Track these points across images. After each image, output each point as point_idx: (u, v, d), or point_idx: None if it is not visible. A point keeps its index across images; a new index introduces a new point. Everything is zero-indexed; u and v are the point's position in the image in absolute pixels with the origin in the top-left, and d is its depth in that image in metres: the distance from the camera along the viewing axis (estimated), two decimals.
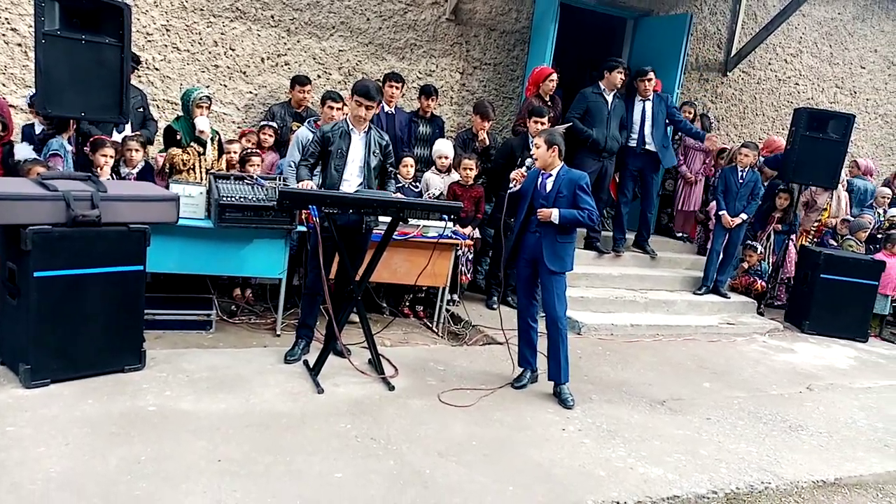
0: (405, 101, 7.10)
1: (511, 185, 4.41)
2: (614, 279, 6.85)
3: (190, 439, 3.28)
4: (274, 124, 6.00)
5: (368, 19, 6.99)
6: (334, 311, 4.38)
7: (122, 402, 3.56)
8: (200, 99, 5.32)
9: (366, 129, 4.49)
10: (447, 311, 5.92)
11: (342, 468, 3.18)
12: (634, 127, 6.99)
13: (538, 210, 4.31)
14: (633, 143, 7.00)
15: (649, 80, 6.90)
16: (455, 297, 6.38)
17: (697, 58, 8.70)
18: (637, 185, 7.19)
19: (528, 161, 4.42)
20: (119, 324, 3.88)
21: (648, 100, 6.96)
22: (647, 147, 6.96)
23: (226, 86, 6.57)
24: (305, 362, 4.39)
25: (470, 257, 6.35)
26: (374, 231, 4.65)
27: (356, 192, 4.22)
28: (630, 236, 7.38)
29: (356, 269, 4.63)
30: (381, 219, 4.83)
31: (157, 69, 6.29)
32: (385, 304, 6.18)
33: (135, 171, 5.20)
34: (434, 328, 5.84)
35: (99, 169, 4.94)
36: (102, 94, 4.48)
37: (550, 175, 4.35)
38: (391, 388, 4.20)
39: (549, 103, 6.91)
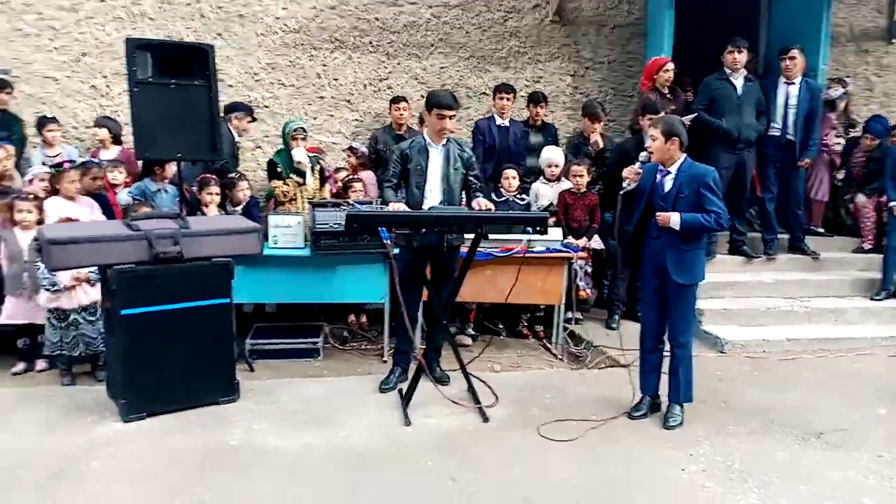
0: (515, 111, 6.75)
1: (624, 183, 3.87)
2: (766, 287, 5.94)
3: (264, 476, 3.12)
4: (357, 145, 5.94)
5: (468, 32, 6.76)
6: (427, 336, 4.10)
7: (208, 437, 3.50)
8: (296, 130, 5.34)
9: (444, 143, 4.20)
10: (565, 330, 5.40)
11: None
12: (776, 113, 6.09)
13: (657, 213, 3.73)
14: (775, 132, 6.10)
15: (791, 58, 6.00)
16: (577, 314, 5.85)
17: (852, 27, 7.52)
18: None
19: (643, 155, 3.85)
20: (210, 356, 3.86)
21: (793, 83, 6.04)
22: (791, 136, 6.03)
23: (332, 115, 6.62)
24: (400, 391, 4.13)
25: (589, 271, 5.80)
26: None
27: (429, 209, 3.92)
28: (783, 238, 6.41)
29: (446, 291, 4.34)
30: (467, 236, 4.54)
31: (266, 107, 6.46)
32: (501, 325, 5.81)
33: (239, 207, 5.28)
34: (553, 350, 5.36)
35: (205, 207, 5.08)
36: (195, 135, 4.57)
37: (669, 172, 3.75)
38: (486, 419, 3.82)
39: (670, 96, 6.24)
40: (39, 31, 5.99)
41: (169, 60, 4.51)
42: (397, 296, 4.03)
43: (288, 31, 6.43)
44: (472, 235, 4.13)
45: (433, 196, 4.20)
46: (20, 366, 4.42)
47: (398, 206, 4.03)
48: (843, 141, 6.70)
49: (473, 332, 5.53)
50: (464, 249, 4.20)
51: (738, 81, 5.98)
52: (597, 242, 5.97)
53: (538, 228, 3.81)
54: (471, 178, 4.33)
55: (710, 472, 3.29)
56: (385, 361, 4.89)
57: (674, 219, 3.63)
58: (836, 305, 5.77)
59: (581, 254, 5.48)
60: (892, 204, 5.89)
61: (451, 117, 4.13)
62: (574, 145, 6.15)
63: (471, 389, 4.04)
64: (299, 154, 5.26)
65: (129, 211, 4.79)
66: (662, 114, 5.46)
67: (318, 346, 4.94)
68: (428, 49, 6.72)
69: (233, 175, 5.30)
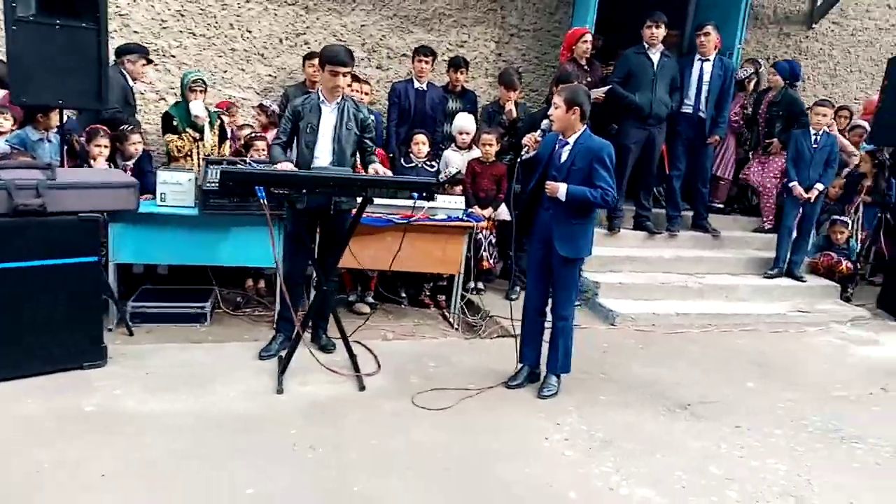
0: (435, 75, 6.64)
1: (523, 151, 3.84)
2: (665, 262, 6.08)
3: (110, 442, 3.02)
4: (268, 103, 5.73)
5: None
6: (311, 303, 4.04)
7: (62, 402, 3.36)
8: (195, 82, 5.11)
9: (338, 101, 4.08)
10: (463, 299, 5.41)
11: (261, 481, 2.81)
12: (690, 90, 6.16)
13: (546, 183, 3.72)
14: (687, 109, 6.18)
15: (705, 34, 6.05)
16: (479, 285, 5.87)
17: (776, 10, 7.64)
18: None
19: (545, 123, 3.79)
20: (74, 318, 3.69)
21: (707, 60, 6.10)
22: (702, 114, 6.11)
23: (243, 69, 6.37)
24: (280, 358, 4.07)
25: (493, 241, 5.81)
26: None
27: (311, 169, 3.83)
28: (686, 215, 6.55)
29: (334, 256, 4.27)
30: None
31: (173, 56, 6.17)
32: (404, 294, 5.78)
33: (131, 162, 5.05)
34: (450, 319, 5.38)
35: (93, 160, 4.84)
36: (80, 81, 4.34)
37: (568, 143, 3.72)
38: (362, 388, 3.80)
39: (587, 68, 6.23)
40: None
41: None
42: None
43: None
44: (402, 202, 4.10)
45: (323, 156, 4.09)
46: None
47: (285, 166, 3.92)
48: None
49: (373, 301, 5.48)
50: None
51: (655, 56, 6.00)
52: (504, 213, 5.97)
53: (424, 195, 3.76)
54: (366, 140, 4.23)
55: (573, 441, 3.36)
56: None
57: (561, 190, 3.63)
58: (729, 282, 5.96)
59: (483, 224, 5.47)
60: (791, 184, 6.06)
61: (344, 74, 3.99)
62: (488, 113, 6.09)
63: (351, 358, 4.00)
64: (197, 107, 5.05)
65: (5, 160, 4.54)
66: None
67: (206, 310, 4.78)
68: (349, 4, 6.51)
69: (125, 126, 5.04)
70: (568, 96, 3.63)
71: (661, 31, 5.93)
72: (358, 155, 4.29)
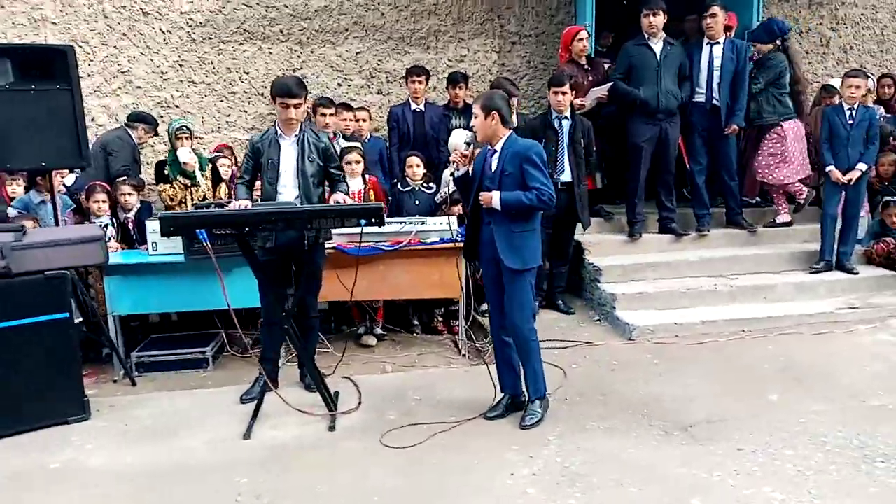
0: (438, 94, 6.50)
1: (451, 168, 3.65)
2: (692, 266, 5.61)
3: (54, 500, 2.98)
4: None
5: (383, 13, 6.50)
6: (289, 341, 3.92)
7: (31, 459, 3.38)
8: (179, 129, 5.20)
9: (297, 133, 3.99)
10: (466, 323, 5.14)
11: None
12: (701, 77, 5.71)
13: (480, 195, 3.50)
14: (700, 98, 5.73)
15: (712, 15, 5.62)
16: (484, 306, 5.61)
17: None
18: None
19: (468, 136, 3.62)
20: (53, 375, 3.73)
21: (717, 43, 5.65)
22: (716, 102, 5.64)
23: (245, 111, 6.45)
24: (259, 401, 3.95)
25: None
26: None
27: (256, 205, 3.74)
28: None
29: (311, 291, 4.16)
30: (336, 231, 4.34)
31: (177, 106, 6.32)
32: (416, 322, 5.59)
33: (131, 214, 5.16)
34: (459, 345, 5.14)
35: (94, 215, 4.98)
36: (60, 140, 4.45)
37: (496, 150, 3.52)
38: (332, 428, 3.64)
39: (588, 67, 5.91)
40: None
41: (30, 65, 4.40)
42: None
43: (194, 25, 6.26)
44: (342, 230, 3.98)
45: (287, 191, 4.00)
46: None
47: (240, 204, 3.85)
48: None
49: (381, 332, 5.32)
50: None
51: (657, 46, 5.62)
52: None
53: (374, 220, 3.59)
54: (332, 170, 4.12)
55: (541, 476, 3.06)
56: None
57: (495, 198, 3.41)
58: (766, 282, 5.42)
59: None
60: (828, 168, 5.48)
61: (295, 106, 3.90)
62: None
63: (324, 397, 3.82)
64: (184, 154, 5.10)
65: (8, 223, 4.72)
66: (566, 85, 5.21)
67: (207, 355, 4.76)
68: (342, 34, 6.48)
69: (121, 179, 5.16)
70: (484, 103, 3.46)
71: (659, 19, 5.55)
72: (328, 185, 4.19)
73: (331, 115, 5.41)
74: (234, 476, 3.15)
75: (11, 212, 4.99)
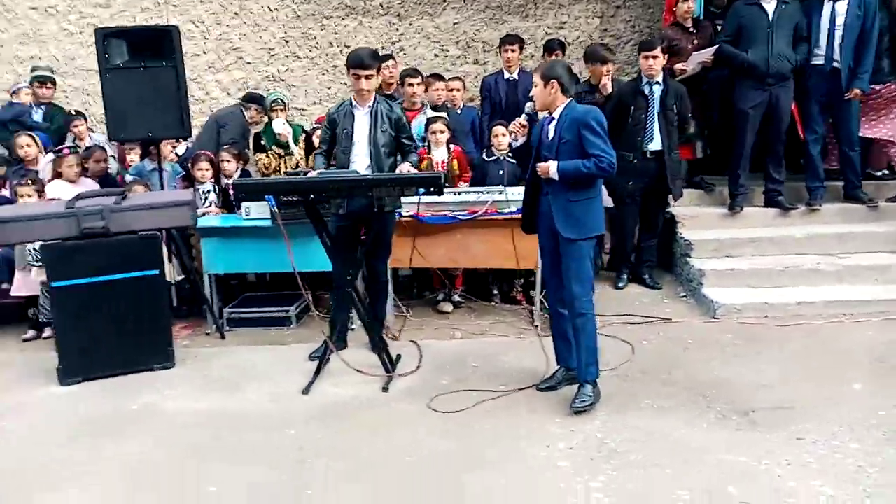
0: (536, 63, 6.36)
1: (510, 139, 3.59)
2: (797, 243, 5.14)
3: (128, 438, 3.32)
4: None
5: None
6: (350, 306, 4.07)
7: (117, 401, 3.77)
8: (274, 101, 5.47)
9: (370, 104, 4.09)
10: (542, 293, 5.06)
11: (228, 480, 2.89)
12: (821, 38, 5.17)
13: (537, 165, 3.42)
14: (818, 61, 5.18)
15: None
16: None
17: None
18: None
19: (528, 106, 3.54)
20: (143, 325, 4.13)
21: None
22: (837, 64, 5.09)
23: (346, 84, 6.62)
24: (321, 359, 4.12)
25: None
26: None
27: (318, 174, 3.88)
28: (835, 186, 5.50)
29: (380, 258, 4.29)
30: (405, 199, 4.40)
31: (282, 80, 6.66)
32: (496, 291, 5.59)
33: (231, 181, 5.52)
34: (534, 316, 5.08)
35: (199, 182, 5.40)
36: (165, 114, 4.86)
37: (553, 118, 3.42)
38: (386, 389, 3.75)
39: (693, 30, 5.54)
40: (81, 28, 6.62)
41: (141, 45, 4.83)
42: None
43: (299, 2, 6.54)
44: (410, 199, 4.08)
45: (360, 160, 4.13)
46: (30, 333, 5.01)
47: (312, 174, 4.02)
48: None
49: (459, 299, 5.38)
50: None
51: (770, 5, 5.14)
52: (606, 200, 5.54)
53: (432, 189, 3.62)
54: (403, 140, 4.21)
55: (577, 451, 2.99)
56: (353, 329, 4.89)
57: (552, 168, 3.30)
58: (880, 262, 4.88)
59: None
60: None
61: (367, 77, 4.01)
62: (578, 95, 5.64)
63: (381, 359, 3.95)
64: (278, 125, 5.38)
65: (126, 190, 5.24)
66: (657, 49, 4.94)
67: (290, 314, 5.06)
68: (439, 5, 6.51)
69: (225, 147, 5.52)
70: (543, 72, 3.36)
71: None
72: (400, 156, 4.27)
73: (418, 84, 5.46)
74: (285, 428, 3.35)
75: (128, 178, 5.53)
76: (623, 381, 3.71)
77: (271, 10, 6.56)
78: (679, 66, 5.31)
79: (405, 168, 4.04)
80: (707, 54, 5.34)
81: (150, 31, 5.01)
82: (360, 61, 3.98)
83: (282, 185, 3.72)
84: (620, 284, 5.37)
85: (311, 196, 3.63)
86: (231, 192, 5.48)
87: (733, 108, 5.36)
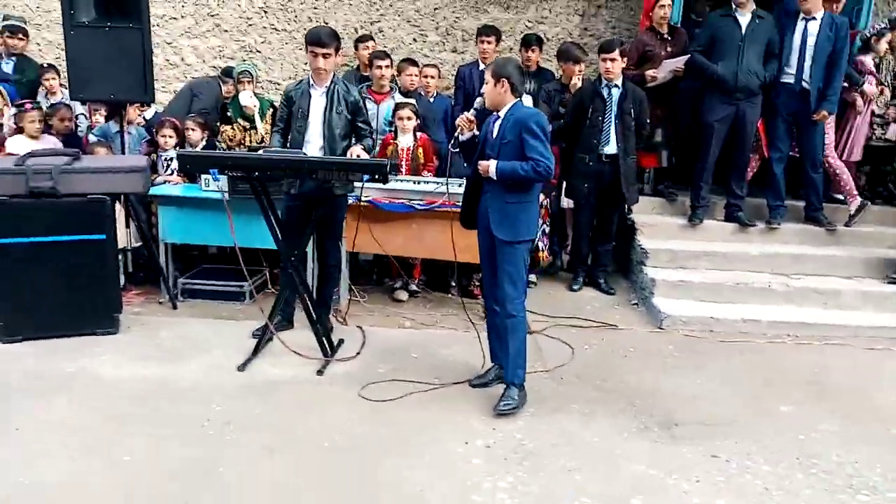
0: (513, 56, 6.33)
1: (456, 132, 3.58)
2: (751, 260, 5.19)
3: (58, 400, 3.32)
4: None
5: None
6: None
7: (55, 361, 3.76)
8: (241, 73, 5.42)
9: (328, 84, 4.06)
10: None
11: (145, 449, 2.90)
12: (792, 56, 5.18)
13: (478, 163, 3.42)
14: (788, 79, 5.21)
15: None
16: (530, 277, 5.50)
17: None
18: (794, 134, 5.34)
19: (478, 101, 3.54)
20: (88, 289, 4.10)
21: (813, 18, 5.09)
22: (806, 84, 5.11)
23: None
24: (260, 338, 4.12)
25: (546, 230, 5.40)
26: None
27: (262, 151, 3.85)
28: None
29: (331, 240, 4.28)
30: (359, 184, 4.38)
31: (258, 51, 6.59)
32: (453, 284, 5.60)
33: (196, 150, 5.47)
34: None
35: (162, 149, 5.34)
36: (128, 76, 4.78)
37: (499, 117, 3.41)
38: (320, 372, 3.76)
39: (668, 36, 5.53)
40: None
41: (108, 3, 4.75)
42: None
43: None
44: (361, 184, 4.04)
45: (314, 141, 4.11)
46: None
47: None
48: (886, 93, 5.54)
49: (416, 289, 5.38)
50: None
51: (744, 18, 5.15)
52: (566, 202, 5.56)
53: (377, 177, 3.61)
54: (359, 123, 4.18)
55: (493, 449, 3.02)
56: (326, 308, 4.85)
57: (491, 167, 3.30)
58: (831, 286, 4.93)
59: None
60: None
61: (324, 55, 3.96)
62: (546, 94, 5.64)
63: (320, 342, 3.94)
64: (245, 98, 5.33)
65: (88, 150, 5.18)
66: (615, 52, 4.94)
67: (244, 290, 5.02)
68: None
69: (190, 116, 5.46)
70: (494, 70, 3.35)
71: None
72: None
73: (386, 66, 5.40)
74: (212, 402, 3.35)
75: (91, 138, 5.46)
76: (556, 383, 3.75)
77: None
78: (650, 72, 5.31)
79: (356, 152, 4.01)
80: (678, 63, 5.35)
81: None
82: (318, 38, 3.94)
83: (224, 159, 3.69)
84: (575, 287, 5.40)
85: (256, 174, 3.60)
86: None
87: (699, 120, 5.38)
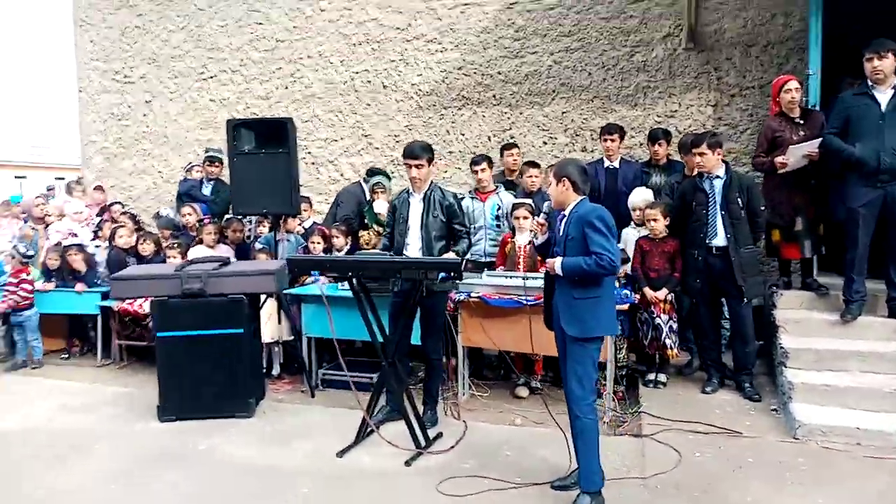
0: (644, 151, 6.33)
1: (530, 236, 3.67)
2: None
3: (176, 474, 3.79)
4: None
5: (590, 73, 6.59)
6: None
7: (189, 439, 4.30)
8: (376, 185, 5.98)
9: (425, 191, 4.41)
10: (614, 391, 4.86)
11: None
12: None
13: (546, 261, 3.46)
14: None
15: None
16: (659, 377, 5.22)
17: None
18: None
19: (546, 205, 3.64)
20: (228, 376, 4.68)
21: None
22: None
23: (460, 168, 7.07)
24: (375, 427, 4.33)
25: (674, 326, 5.11)
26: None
27: (356, 254, 4.18)
28: None
29: (433, 335, 4.48)
30: (480, 282, 4.60)
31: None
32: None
33: (341, 254, 6.07)
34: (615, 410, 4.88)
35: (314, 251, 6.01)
36: (278, 193, 5.54)
37: (564, 215, 3.46)
38: (408, 463, 3.88)
39: (800, 120, 5.21)
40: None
41: (263, 134, 5.61)
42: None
43: (422, 94, 7.15)
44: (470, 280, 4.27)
45: (413, 244, 4.44)
46: None
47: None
48: None
49: (537, 385, 5.33)
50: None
51: (884, 95, 4.71)
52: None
53: (452, 274, 3.79)
54: (455, 225, 4.45)
55: None
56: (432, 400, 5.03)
57: (556, 265, 3.32)
58: None
59: (660, 304, 5.00)
60: None
61: (417, 166, 4.34)
62: (669, 186, 5.50)
63: (412, 433, 4.07)
64: (379, 206, 5.87)
65: (252, 253, 6.00)
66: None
67: (374, 380, 5.34)
68: (549, 95, 6.75)
69: (335, 224, 6.10)
70: (556, 170, 3.44)
71: (887, 63, 4.65)
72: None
73: (481, 171, 5.68)
74: (301, 486, 3.61)
75: (257, 246, 6.30)
76: (649, 493, 3.50)
77: (398, 102, 7.23)
78: (779, 159, 5.00)
79: (450, 254, 4.24)
80: (811, 147, 4.98)
81: (272, 122, 5.77)
82: (412, 152, 4.35)
83: (323, 262, 4.11)
84: (707, 389, 4.98)
85: (349, 274, 3.96)
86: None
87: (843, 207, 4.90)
